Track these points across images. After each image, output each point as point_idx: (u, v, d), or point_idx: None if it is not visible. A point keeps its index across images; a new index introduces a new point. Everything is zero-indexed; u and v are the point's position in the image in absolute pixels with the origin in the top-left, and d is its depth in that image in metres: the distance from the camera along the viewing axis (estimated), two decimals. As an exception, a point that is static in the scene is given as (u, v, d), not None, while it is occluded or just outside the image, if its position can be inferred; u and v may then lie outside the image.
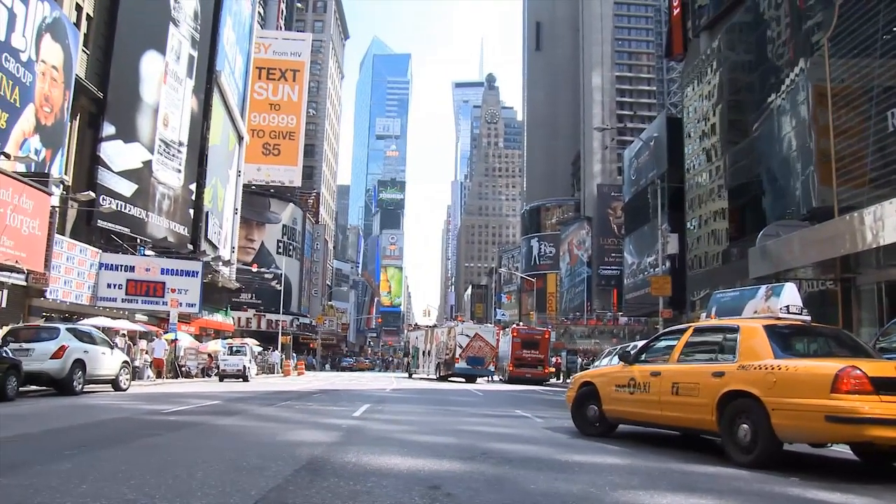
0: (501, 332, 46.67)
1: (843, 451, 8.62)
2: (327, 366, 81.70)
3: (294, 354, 62.21)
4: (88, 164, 31.87)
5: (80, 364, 17.40)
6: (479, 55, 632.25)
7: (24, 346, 16.63)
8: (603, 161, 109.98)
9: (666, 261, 47.19)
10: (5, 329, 18.62)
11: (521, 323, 59.84)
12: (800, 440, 7.67)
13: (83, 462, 6.28)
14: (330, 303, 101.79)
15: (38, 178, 22.80)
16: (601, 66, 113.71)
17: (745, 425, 7.47)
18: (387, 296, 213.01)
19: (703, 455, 8.23)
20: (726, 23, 40.46)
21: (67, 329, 18.12)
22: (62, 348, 16.90)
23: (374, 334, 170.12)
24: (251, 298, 67.60)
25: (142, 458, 6.70)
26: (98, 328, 22.36)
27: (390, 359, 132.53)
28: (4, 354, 15.03)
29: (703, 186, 43.85)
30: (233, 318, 54.96)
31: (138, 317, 34.21)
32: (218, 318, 48.58)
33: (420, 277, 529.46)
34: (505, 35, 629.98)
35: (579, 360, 48.29)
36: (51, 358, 16.64)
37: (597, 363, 27.80)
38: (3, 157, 20.90)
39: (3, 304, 22.79)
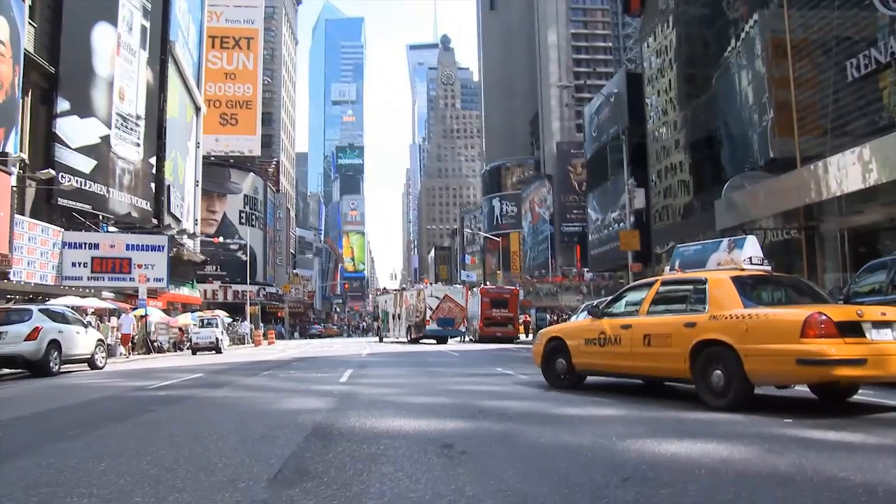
0: (469, 292, 46.92)
1: (802, 391, 9.03)
2: (296, 334, 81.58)
3: (262, 324, 61.92)
4: (44, 142, 31.21)
5: (55, 345, 17.20)
6: (432, 17, 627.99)
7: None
8: (561, 119, 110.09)
9: (631, 215, 47.69)
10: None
11: (487, 283, 60.15)
12: (771, 383, 8.14)
13: (91, 441, 6.27)
14: (295, 271, 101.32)
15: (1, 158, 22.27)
16: (556, 23, 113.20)
17: (717, 371, 7.85)
18: (350, 262, 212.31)
19: (686, 402, 8.45)
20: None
21: (40, 310, 17.88)
22: (36, 330, 16.66)
23: (340, 300, 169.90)
24: (216, 270, 67.02)
25: (147, 434, 6.73)
26: (68, 307, 22.06)
27: (357, 324, 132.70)
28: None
29: (665, 141, 44.16)
30: (199, 291, 54.49)
31: (105, 294, 33.79)
32: (185, 291, 48.14)
33: (382, 242, 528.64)
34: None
35: (549, 317, 48.77)
36: (25, 340, 16.41)
37: (574, 318, 28.11)
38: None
39: (-33, 288, 22.40)
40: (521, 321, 45.88)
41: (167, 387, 12.30)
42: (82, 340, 19.03)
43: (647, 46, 47.01)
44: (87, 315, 27.30)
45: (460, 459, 5.13)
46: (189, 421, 7.62)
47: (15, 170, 25.64)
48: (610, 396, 9.25)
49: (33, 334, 16.59)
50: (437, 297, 40.95)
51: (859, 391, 8.86)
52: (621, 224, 51.55)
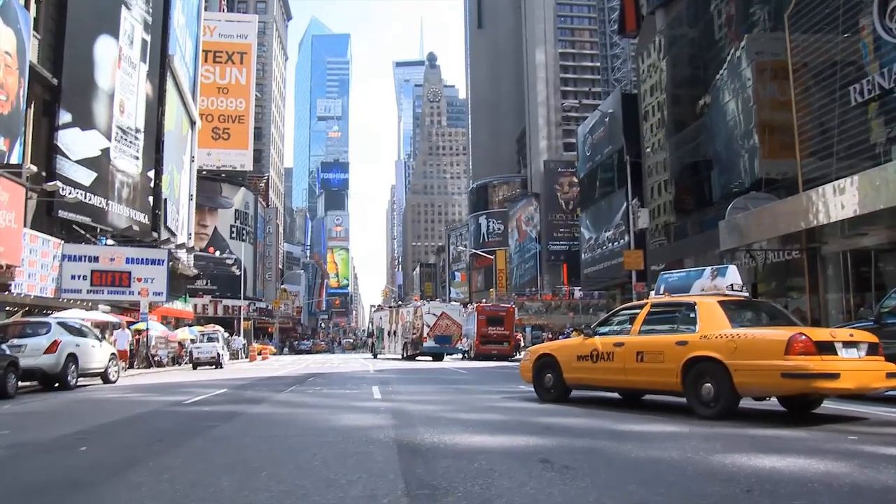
0: (465, 309, 46.97)
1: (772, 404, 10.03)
2: (285, 349, 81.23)
3: (254, 340, 61.67)
4: (46, 153, 30.97)
5: (72, 358, 17.10)
6: (419, 35, 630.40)
7: (16, 342, 16.20)
8: (549, 137, 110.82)
9: (625, 234, 48.03)
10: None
11: (484, 301, 60.20)
12: (757, 395, 9.37)
13: (186, 456, 6.24)
14: (283, 286, 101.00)
15: (10, 168, 22.14)
16: (544, 42, 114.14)
17: (707, 384, 8.82)
18: (334, 277, 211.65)
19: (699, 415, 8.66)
20: (684, 0, 41.04)
21: (58, 323, 17.78)
22: (55, 343, 16.57)
23: (326, 316, 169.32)
24: (207, 284, 66.62)
25: (233, 449, 6.68)
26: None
27: (339, 340, 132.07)
28: (3, 351, 14.67)
29: (660, 162, 44.61)
30: (191, 306, 54.18)
31: (101, 307, 33.50)
32: (178, 305, 47.85)
33: (366, 258, 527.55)
34: (445, 13, 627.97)
35: (545, 335, 48.88)
36: (44, 353, 16.31)
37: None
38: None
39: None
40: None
41: (202, 402, 12.24)
42: (97, 354, 18.92)
43: (642, 67, 47.54)
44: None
45: (571, 474, 5.23)
46: (262, 436, 7.59)
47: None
48: (642, 412, 9.64)
49: (52, 347, 16.49)
50: (434, 315, 40.97)
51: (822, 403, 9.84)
52: (615, 243, 51.97)
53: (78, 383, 17.71)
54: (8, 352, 14.93)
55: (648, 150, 45.27)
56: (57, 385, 16.81)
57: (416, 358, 41.44)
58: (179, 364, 34.78)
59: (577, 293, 73.82)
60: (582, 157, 63.28)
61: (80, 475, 5.43)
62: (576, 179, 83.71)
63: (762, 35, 30.79)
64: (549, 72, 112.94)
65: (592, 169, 58.61)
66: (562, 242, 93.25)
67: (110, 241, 35.58)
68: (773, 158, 29.17)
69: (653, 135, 45.12)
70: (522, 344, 48.81)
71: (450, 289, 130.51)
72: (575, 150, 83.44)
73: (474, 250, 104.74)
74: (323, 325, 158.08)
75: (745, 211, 27.31)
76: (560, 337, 40.39)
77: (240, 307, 63.75)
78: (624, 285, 48.39)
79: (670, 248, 41.94)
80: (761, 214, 25.66)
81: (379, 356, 49.50)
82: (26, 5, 28.71)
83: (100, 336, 20.81)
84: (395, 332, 46.77)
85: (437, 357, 40.82)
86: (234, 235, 74.38)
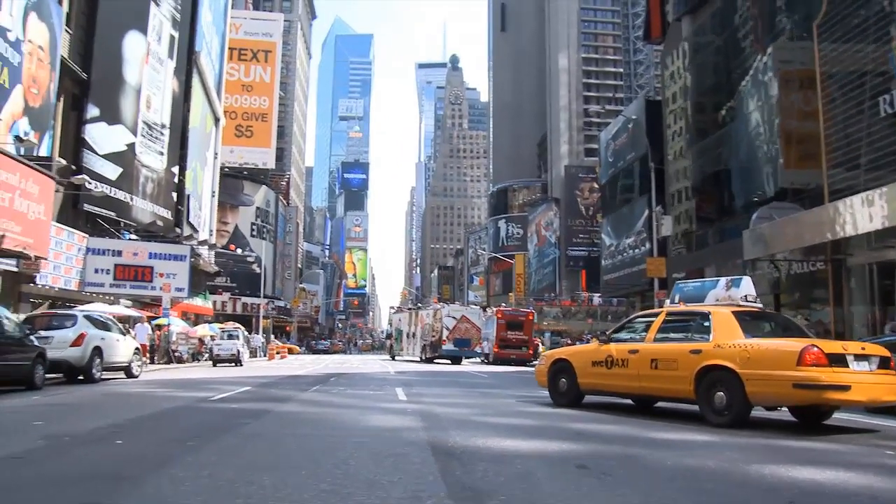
0: (484, 313, 46.91)
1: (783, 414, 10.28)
2: (303, 348, 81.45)
3: (276, 339, 61.85)
4: (73, 147, 31.24)
5: (98, 351, 17.18)
6: (441, 37, 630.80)
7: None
8: (570, 142, 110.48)
9: (646, 242, 47.78)
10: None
11: (503, 305, 60.06)
12: (768, 404, 9.55)
13: (221, 452, 6.26)
14: (302, 285, 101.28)
15: (40, 161, 22.35)
16: (567, 47, 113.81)
17: (720, 393, 8.98)
18: (352, 278, 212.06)
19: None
20: (710, 7, 40.80)
21: (84, 316, 17.89)
22: (81, 336, 16.68)
23: (343, 316, 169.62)
24: (226, 282, 66.93)
25: (268, 447, 6.67)
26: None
27: (359, 340, 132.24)
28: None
29: (680, 169, 44.38)
30: (210, 302, 54.40)
31: (123, 302, 33.73)
32: (198, 302, 48.05)
33: (383, 259, 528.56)
34: (468, 16, 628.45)
35: (565, 340, 48.70)
36: (70, 346, 16.42)
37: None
38: (17, 140, 20.46)
39: (-1, 291, 22.41)
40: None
41: (228, 399, 12.26)
42: (122, 348, 19.03)
43: (666, 74, 47.34)
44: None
45: (610, 480, 5.27)
46: (294, 435, 7.60)
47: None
48: (675, 420, 9.56)
49: (78, 340, 16.60)
50: (454, 318, 40.99)
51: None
52: (636, 250, 51.74)
53: (102, 377, 17.81)
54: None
55: (670, 157, 45.06)
56: (81, 378, 16.90)
57: (435, 360, 41.44)
58: (198, 360, 34.90)
59: (596, 299, 73.54)
60: (604, 163, 63.01)
61: (121, 468, 5.45)
62: (596, 185, 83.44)
63: (788, 44, 30.55)
64: (572, 76, 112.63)
65: (614, 175, 58.37)
66: (581, 248, 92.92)
67: (133, 236, 35.85)
68: (795, 168, 28.97)
69: (675, 142, 44.92)
70: (541, 349, 48.71)
71: (468, 292, 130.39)
72: (596, 155, 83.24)
73: (493, 254, 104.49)
74: (340, 325, 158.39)
75: (770, 221, 27.14)
76: (579, 343, 40.23)
77: (259, 305, 63.93)
78: (644, 293, 48.12)
79: (691, 256, 41.68)
80: (786, 224, 25.44)
81: (397, 358, 49.53)
82: (59, 1, 29.03)
83: (124, 330, 20.88)
84: (413, 334, 46.78)
85: (456, 360, 40.83)
86: (254, 233, 74.69)
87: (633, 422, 9.47)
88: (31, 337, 15.03)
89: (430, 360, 41.81)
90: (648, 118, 48.67)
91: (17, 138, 20.72)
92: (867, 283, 24.29)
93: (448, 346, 40.39)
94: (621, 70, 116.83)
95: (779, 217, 26.75)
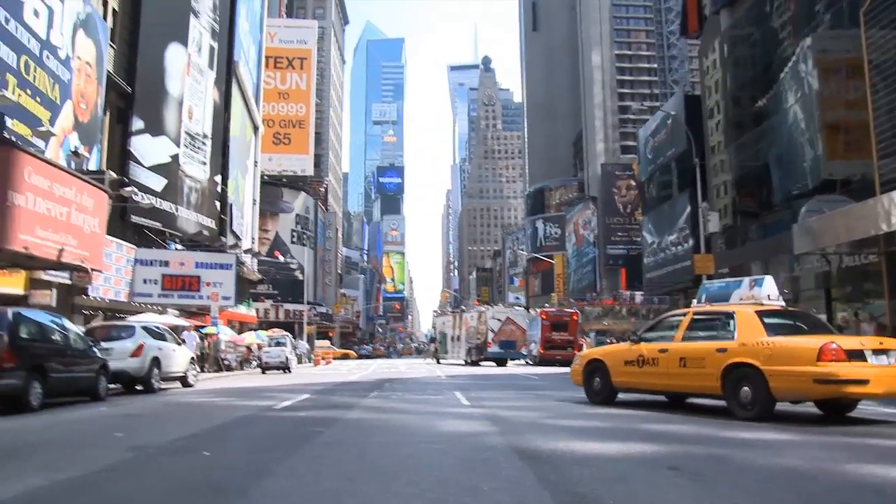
0: (528, 314, 46.84)
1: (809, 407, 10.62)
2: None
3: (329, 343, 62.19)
4: (120, 160, 31.73)
5: (156, 362, 17.46)
6: (472, 38, 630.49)
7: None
8: (606, 140, 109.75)
9: (689, 238, 47.30)
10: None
11: (546, 306, 59.81)
12: (790, 399, 9.89)
13: (309, 461, 6.27)
14: (342, 291, 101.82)
15: (92, 175, 22.70)
16: (600, 44, 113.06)
17: (746, 388, 9.47)
18: (390, 282, 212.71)
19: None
20: (748, 0, 40.32)
21: (142, 327, 18.14)
22: (140, 347, 16.96)
23: (383, 321, 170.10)
24: (268, 289, 67.48)
25: (351, 456, 6.62)
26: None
27: (399, 344, 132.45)
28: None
29: (718, 164, 43.92)
30: (253, 310, 54.91)
31: (171, 311, 34.14)
32: (242, 310, 48.53)
33: (420, 262, 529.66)
34: (498, 17, 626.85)
35: (610, 339, 48.30)
36: (130, 356, 16.70)
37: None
38: (73, 155, 20.81)
39: (54, 303, 22.75)
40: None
41: (291, 408, 12.29)
42: (178, 358, 19.28)
43: (705, 67, 46.85)
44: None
45: (706, 482, 5.23)
46: (375, 442, 7.57)
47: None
48: (721, 418, 9.46)
49: (137, 351, 16.88)
50: (498, 320, 40.93)
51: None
52: (679, 247, 51.24)
53: (160, 386, 18.05)
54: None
55: (718, 154, 44.58)
56: (140, 388, 17.18)
57: (480, 363, 41.39)
58: (244, 368, 35.20)
59: (639, 298, 72.96)
60: (643, 160, 62.51)
61: (219, 479, 5.47)
62: (633, 182, 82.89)
63: (828, 33, 30.05)
64: (606, 74, 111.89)
65: (654, 172, 57.92)
66: (620, 247, 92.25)
67: (178, 246, 36.28)
68: (838, 159, 28.49)
69: (713, 136, 44.42)
70: (585, 349, 48.35)
71: (507, 293, 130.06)
72: (632, 152, 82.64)
73: (533, 254, 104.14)
74: (380, 329, 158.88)
75: (820, 214, 26.67)
76: (621, 342, 39.93)
77: (302, 311, 64.37)
78: (687, 290, 47.60)
79: (736, 252, 41.17)
80: (836, 217, 24.97)
81: (441, 361, 49.54)
82: (104, 17, 29.54)
83: (179, 340, 21.14)
84: (458, 337, 46.78)
85: (501, 362, 40.74)
86: (294, 240, 75.29)
87: (706, 422, 9.43)
88: (94, 349, 15.25)
89: (475, 363, 41.79)
90: (687, 113, 48.24)
91: (74, 153, 21.10)
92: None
93: (494, 349, 40.35)
94: (655, 66, 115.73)
95: (828, 210, 26.27)
